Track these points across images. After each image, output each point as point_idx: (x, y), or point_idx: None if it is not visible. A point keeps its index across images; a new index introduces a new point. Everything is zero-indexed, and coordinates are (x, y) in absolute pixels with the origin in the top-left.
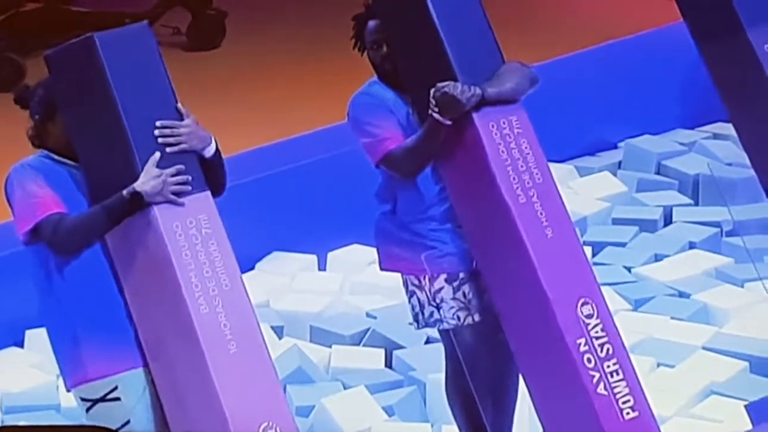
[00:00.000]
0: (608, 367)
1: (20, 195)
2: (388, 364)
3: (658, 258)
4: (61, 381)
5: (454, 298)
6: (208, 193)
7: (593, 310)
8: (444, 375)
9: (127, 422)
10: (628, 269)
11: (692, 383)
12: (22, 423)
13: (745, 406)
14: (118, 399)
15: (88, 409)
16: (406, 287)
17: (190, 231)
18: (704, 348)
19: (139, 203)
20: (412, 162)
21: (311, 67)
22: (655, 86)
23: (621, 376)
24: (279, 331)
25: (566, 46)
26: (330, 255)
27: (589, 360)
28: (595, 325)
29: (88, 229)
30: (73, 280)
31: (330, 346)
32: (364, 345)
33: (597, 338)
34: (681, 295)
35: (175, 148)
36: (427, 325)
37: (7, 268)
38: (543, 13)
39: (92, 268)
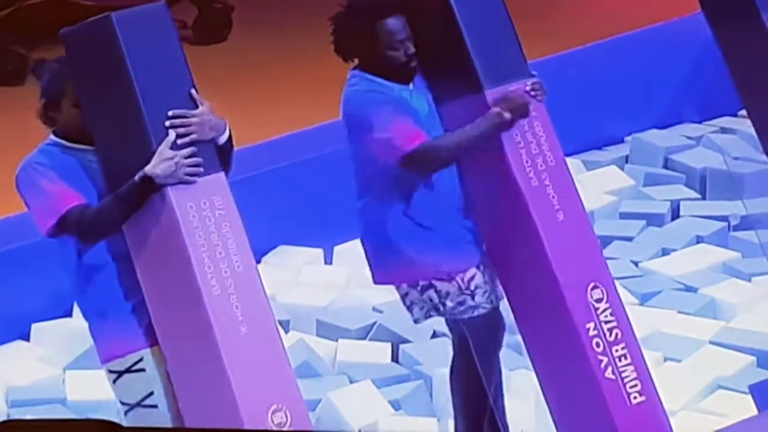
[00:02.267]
0: (616, 351)
1: (36, 193)
2: (395, 358)
3: (665, 252)
4: (67, 374)
5: (485, 282)
6: (222, 174)
7: (603, 294)
8: (452, 367)
9: (151, 393)
10: (636, 263)
11: (699, 377)
12: (28, 416)
13: (750, 387)
14: (142, 370)
15: (114, 381)
16: (414, 287)
17: (203, 212)
18: (711, 342)
19: (152, 186)
20: (447, 159)
21: (318, 60)
22: (663, 80)
23: (629, 361)
24: (285, 325)
25: (573, 41)
26: (336, 249)
27: (597, 344)
28: (605, 310)
29: (107, 217)
30: (97, 262)
31: (336, 340)
32: (370, 339)
33: (606, 323)
34: (688, 289)
35: (186, 139)
36: (450, 316)
37: (13, 262)
38: (549, 7)
39: (116, 250)
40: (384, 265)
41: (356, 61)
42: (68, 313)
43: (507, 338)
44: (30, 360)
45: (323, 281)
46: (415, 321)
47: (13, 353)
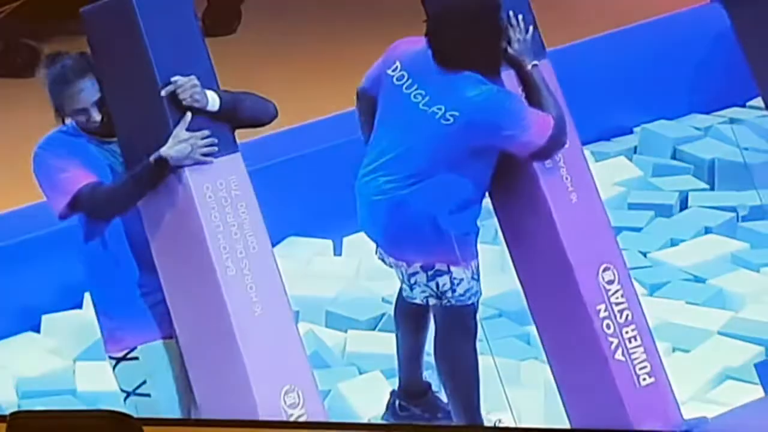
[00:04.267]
0: (626, 333)
1: (49, 174)
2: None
3: (674, 243)
4: (77, 365)
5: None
6: (239, 155)
7: (614, 275)
8: (449, 353)
9: (144, 382)
10: (644, 254)
11: (708, 368)
12: (38, 407)
13: (755, 365)
14: (136, 359)
15: (113, 367)
16: (428, 271)
17: (219, 193)
18: (720, 333)
19: (167, 168)
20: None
21: (327, 52)
22: (671, 71)
23: (639, 342)
24: (294, 316)
25: (581, 31)
26: (345, 240)
27: (608, 326)
28: (616, 291)
29: (120, 197)
30: (96, 266)
31: (345, 331)
32: (379, 330)
33: (617, 304)
34: (697, 279)
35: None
36: (456, 302)
37: (23, 254)
38: None
39: (113, 254)
40: (403, 242)
41: None
42: (78, 305)
43: (516, 329)
44: (40, 351)
45: (332, 272)
46: (407, 297)
47: (23, 345)
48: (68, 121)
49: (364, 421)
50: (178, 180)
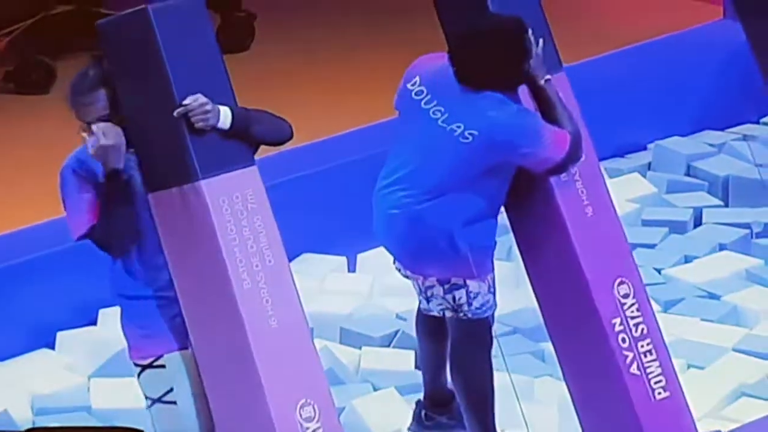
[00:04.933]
0: (642, 347)
1: (68, 200)
2: (418, 366)
3: (688, 259)
4: (91, 382)
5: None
6: (255, 168)
7: (630, 289)
8: (464, 366)
9: (170, 390)
10: (658, 271)
11: (722, 385)
12: (53, 424)
13: None
14: (162, 366)
15: (139, 374)
16: (444, 284)
17: (235, 206)
18: (734, 350)
19: (120, 180)
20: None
21: (341, 69)
22: (685, 87)
23: (654, 356)
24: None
25: (595, 48)
26: (360, 257)
27: (623, 340)
28: (631, 305)
29: (116, 228)
30: (118, 279)
31: (360, 348)
32: (394, 347)
33: (632, 318)
34: (711, 296)
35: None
36: (473, 315)
37: (38, 271)
38: (570, 15)
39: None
40: (420, 256)
41: None
42: (93, 322)
43: (531, 346)
44: (55, 368)
45: (347, 289)
46: (424, 310)
47: (38, 361)
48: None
49: None
50: (194, 193)
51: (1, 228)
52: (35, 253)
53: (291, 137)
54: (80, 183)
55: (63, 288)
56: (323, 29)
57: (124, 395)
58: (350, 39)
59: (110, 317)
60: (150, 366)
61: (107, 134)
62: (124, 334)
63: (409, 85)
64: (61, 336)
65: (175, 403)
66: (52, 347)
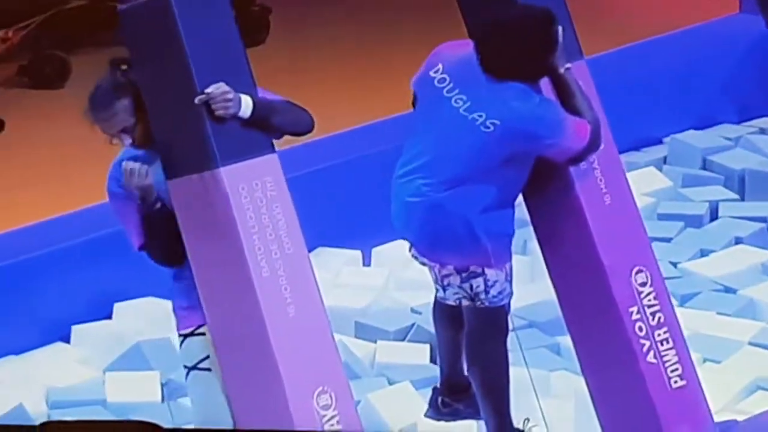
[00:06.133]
0: (659, 335)
1: (118, 217)
2: (433, 359)
3: (704, 253)
4: (107, 376)
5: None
6: (275, 156)
7: (647, 278)
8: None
9: (206, 357)
10: (674, 265)
11: (739, 378)
12: (68, 418)
13: None
14: (202, 334)
15: (180, 344)
16: (461, 273)
17: (255, 193)
18: (750, 343)
19: (154, 210)
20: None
21: (356, 62)
22: (701, 81)
23: (671, 345)
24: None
25: (610, 42)
26: (374, 250)
27: (640, 328)
28: (648, 293)
29: (158, 245)
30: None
31: (375, 342)
32: (408, 341)
33: (649, 306)
34: (727, 290)
35: (221, 112)
36: (490, 304)
37: (54, 265)
38: (585, 9)
39: None
40: (439, 245)
41: None
42: (108, 316)
43: (547, 340)
44: (70, 362)
45: (362, 283)
46: (440, 298)
47: (53, 355)
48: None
49: (394, 431)
50: (213, 180)
51: (16, 222)
52: (50, 248)
53: (312, 128)
54: (123, 202)
55: (78, 282)
56: (338, 23)
57: (138, 389)
58: (365, 33)
59: (125, 311)
60: (191, 334)
61: (134, 175)
62: (174, 313)
63: (431, 72)
64: (76, 330)
65: (209, 370)
66: (67, 341)
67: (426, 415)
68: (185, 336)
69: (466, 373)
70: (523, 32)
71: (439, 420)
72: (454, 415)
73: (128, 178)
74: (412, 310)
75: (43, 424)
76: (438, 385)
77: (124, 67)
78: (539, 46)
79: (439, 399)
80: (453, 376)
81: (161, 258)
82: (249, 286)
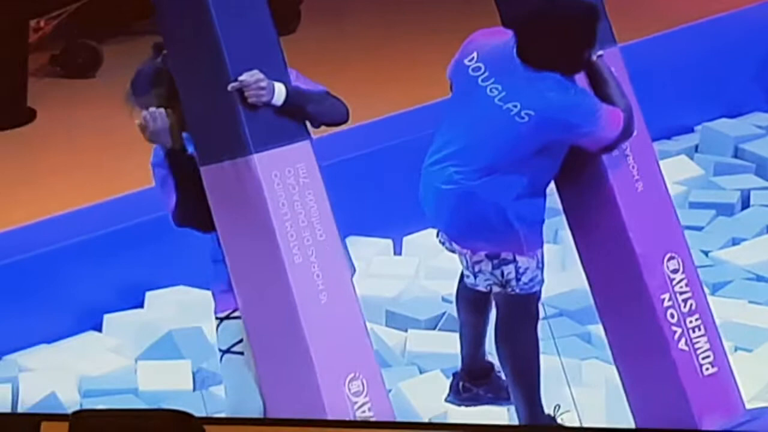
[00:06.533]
0: (690, 322)
1: (156, 183)
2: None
3: (735, 242)
4: (138, 365)
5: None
6: (308, 143)
7: (679, 265)
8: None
9: (240, 341)
10: (706, 253)
11: None
12: (100, 406)
13: None
14: (238, 317)
15: (217, 327)
16: (493, 259)
17: (288, 180)
18: None
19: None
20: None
21: (386, 52)
22: (733, 69)
23: (702, 332)
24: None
25: (642, 30)
26: (405, 239)
27: (672, 315)
28: (680, 281)
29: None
30: (212, 247)
31: (406, 331)
32: (439, 329)
33: (681, 293)
34: (759, 279)
35: (253, 100)
36: (521, 291)
37: (85, 254)
38: None
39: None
40: (471, 232)
41: None
42: (140, 304)
43: (578, 328)
44: (102, 351)
45: (392, 272)
46: (471, 285)
47: (85, 344)
48: None
49: (425, 420)
50: (246, 167)
51: (48, 211)
52: (82, 237)
53: (347, 119)
54: (159, 169)
55: (110, 271)
56: (368, 12)
57: (170, 377)
58: (395, 22)
59: (157, 300)
60: (227, 318)
61: (153, 119)
62: (212, 295)
63: (466, 61)
64: (108, 318)
65: (242, 353)
66: (100, 330)
67: (446, 400)
68: (221, 319)
69: (487, 358)
70: (567, 25)
71: (459, 405)
72: (474, 400)
73: (148, 124)
74: (443, 299)
75: (75, 413)
76: (459, 370)
77: (165, 51)
78: (581, 41)
79: (460, 384)
80: (474, 361)
81: (191, 219)
82: (281, 273)
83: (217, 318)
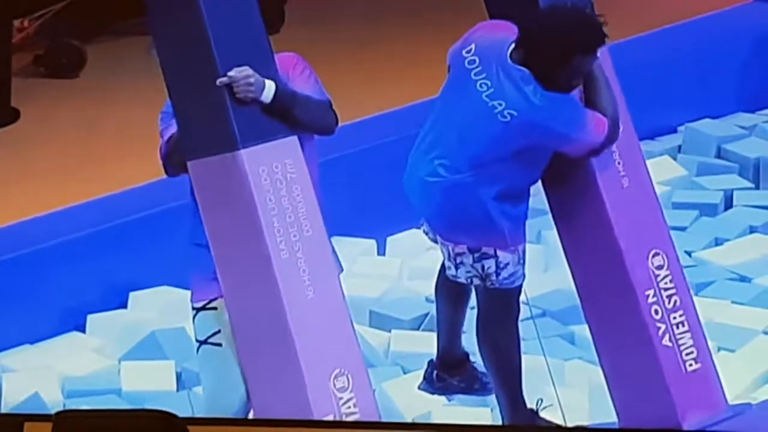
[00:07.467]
0: (674, 318)
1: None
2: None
3: (718, 242)
4: (122, 365)
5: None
6: (295, 138)
7: (664, 261)
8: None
9: (218, 332)
10: (689, 254)
11: (753, 367)
12: (83, 407)
13: None
14: (215, 308)
15: (194, 318)
16: (474, 253)
17: (275, 175)
18: (765, 332)
19: None
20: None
21: (370, 51)
22: (715, 70)
23: (686, 328)
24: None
25: (625, 31)
26: (389, 239)
27: (656, 311)
28: (665, 277)
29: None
30: (194, 230)
31: (389, 331)
32: (423, 330)
33: (665, 290)
34: (742, 279)
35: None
36: (501, 285)
37: (69, 254)
38: None
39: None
40: (454, 225)
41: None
42: (123, 305)
43: (560, 329)
44: (85, 351)
45: (376, 272)
46: (451, 276)
47: (68, 344)
48: None
49: (408, 420)
50: (233, 162)
51: (32, 212)
52: (66, 237)
53: (333, 131)
54: (165, 115)
55: (93, 271)
56: (353, 13)
57: (154, 378)
58: (380, 22)
59: (140, 300)
60: (203, 308)
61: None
62: (191, 281)
63: (464, 52)
64: (92, 319)
65: (220, 345)
66: (83, 330)
67: (419, 388)
68: (198, 310)
69: (462, 348)
70: (569, 35)
71: (432, 393)
72: (446, 390)
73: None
74: (427, 300)
75: (58, 413)
76: (434, 359)
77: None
78: (580, 54)
79: (434, 373)
80: (449, 351)
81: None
82: (268, 268)
83: (194, 308)
